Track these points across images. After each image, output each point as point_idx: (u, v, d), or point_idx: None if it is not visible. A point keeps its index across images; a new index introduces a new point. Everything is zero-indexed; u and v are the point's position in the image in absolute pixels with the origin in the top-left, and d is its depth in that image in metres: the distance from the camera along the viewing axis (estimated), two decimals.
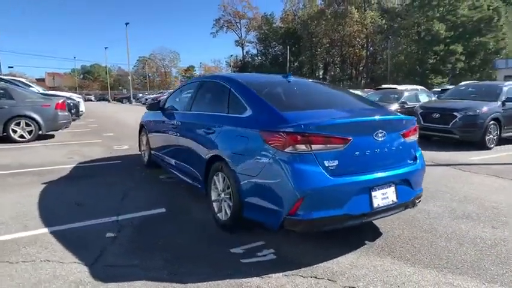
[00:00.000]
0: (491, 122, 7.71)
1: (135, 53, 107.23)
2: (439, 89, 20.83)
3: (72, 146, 8.10)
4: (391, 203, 2.76)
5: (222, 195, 3.16)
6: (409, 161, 3.01)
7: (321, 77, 57.80)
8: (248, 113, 3.01)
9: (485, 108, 7.74)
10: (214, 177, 3.27)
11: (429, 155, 6.57)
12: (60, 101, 9.06)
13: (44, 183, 4.70)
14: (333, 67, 61.46)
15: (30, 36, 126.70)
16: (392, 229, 3.24)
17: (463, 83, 12.40)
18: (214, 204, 3.30)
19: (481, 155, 6.97)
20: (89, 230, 3.18)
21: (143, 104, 34.66)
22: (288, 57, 54.87)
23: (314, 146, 2.50)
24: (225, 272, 2.46)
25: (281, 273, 2.45)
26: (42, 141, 8.60)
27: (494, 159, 6.65)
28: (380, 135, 2.74)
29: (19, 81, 12.65)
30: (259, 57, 71.14)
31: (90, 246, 2.84)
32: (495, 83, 10.86)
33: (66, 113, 9.37)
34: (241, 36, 71.42)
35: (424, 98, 11.48)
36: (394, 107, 9.89)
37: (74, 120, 11.66)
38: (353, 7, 51.75)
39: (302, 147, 2.49)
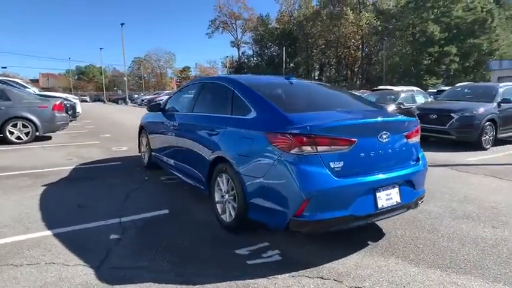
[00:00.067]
0: (487, 123, 7.81)
1: (130, 53, 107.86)
2: (435, 90, 21.03)
3: (70, 147, 8.05)
4: (395, 203, 2.79)
5: (226, 196, 3.16)
6: (412, 162, 3.05)
7: (316, 78, 57.91)
8: (253, 114, 3.02)
9: (481, 110, 7.83)
10: (218, 178, 3.28)
11: (427, 156, 6.49)
12: (58, 102, 9.00)
13: (44, 185, 4.67)
14: (328, 68, 61.64)
15: (24, 37, 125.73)
16: (395, 229, 3.27)
17: (459, 85, 12.53)
18: (218, 205, 3.31)
19: (478, 156, 7.06)
20: (92, 232, 3.16)
21: (139, 105, 34.48)
22: (284, 58, 54.93)
23: (320, 148, 2.52)
24: (232, 273, 2.47)
25: (287, 274, 2.46)
26: (40, 143, 8.53)
27: (491, 159, 6.74)
28: (384, 136, 2.77)
29: (15, 82, 12.54)
30: (255, 58, 71.21)
31: (95, 248, 2.83)
32: (491, 84, 11.00)
33: (64, 114, 9.31)
34: (237, 37, 71.52)
35: (420, 99, 11.61)
36: (391, 108, 9.96)
37: (70, 121, 11.58)
38: (348, 8, 51.98)
39: (308, 148, 2.51)
